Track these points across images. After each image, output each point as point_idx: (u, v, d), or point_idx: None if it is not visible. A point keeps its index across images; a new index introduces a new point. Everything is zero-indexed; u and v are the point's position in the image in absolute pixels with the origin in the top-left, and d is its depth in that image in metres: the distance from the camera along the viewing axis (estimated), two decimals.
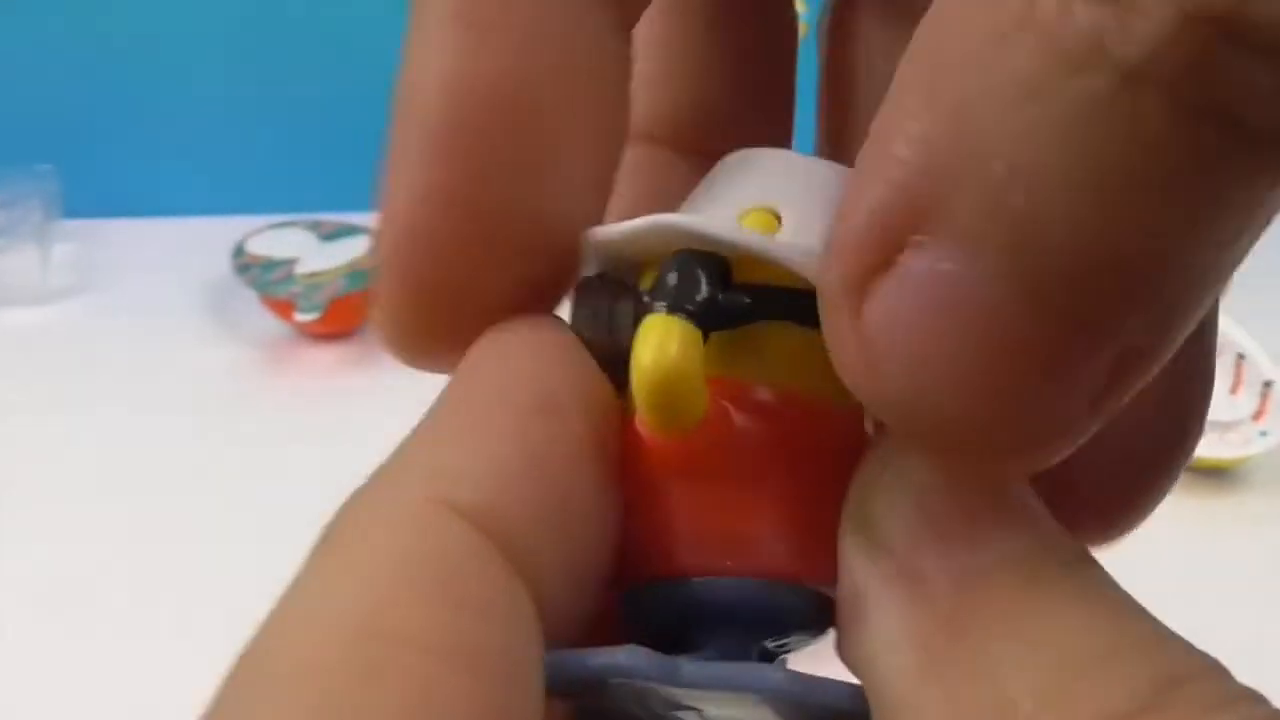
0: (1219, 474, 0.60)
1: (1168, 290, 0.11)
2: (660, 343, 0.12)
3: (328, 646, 0.11)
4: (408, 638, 0.11)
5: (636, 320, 0.13)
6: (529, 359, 0.13)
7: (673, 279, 0.12)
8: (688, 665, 0.12)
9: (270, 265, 0.74)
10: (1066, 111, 0.10)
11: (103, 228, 0.87)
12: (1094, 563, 0.12)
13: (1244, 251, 0.11)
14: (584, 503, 0.13)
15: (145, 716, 0.50)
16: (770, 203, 0.13)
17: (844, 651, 0.12)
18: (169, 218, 0.89)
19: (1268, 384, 0.62)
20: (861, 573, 0.12)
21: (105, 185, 0.89)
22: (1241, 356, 0.64)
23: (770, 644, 0.13)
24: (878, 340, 0.11)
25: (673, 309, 0.12)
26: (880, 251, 0.11)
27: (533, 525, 0.12)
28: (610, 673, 0.12)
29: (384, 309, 0.14)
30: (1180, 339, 0.11)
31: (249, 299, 0.74)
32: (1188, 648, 0.11)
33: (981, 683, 0.11)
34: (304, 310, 0.71)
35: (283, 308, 0.72)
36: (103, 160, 0.90)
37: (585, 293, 0.14)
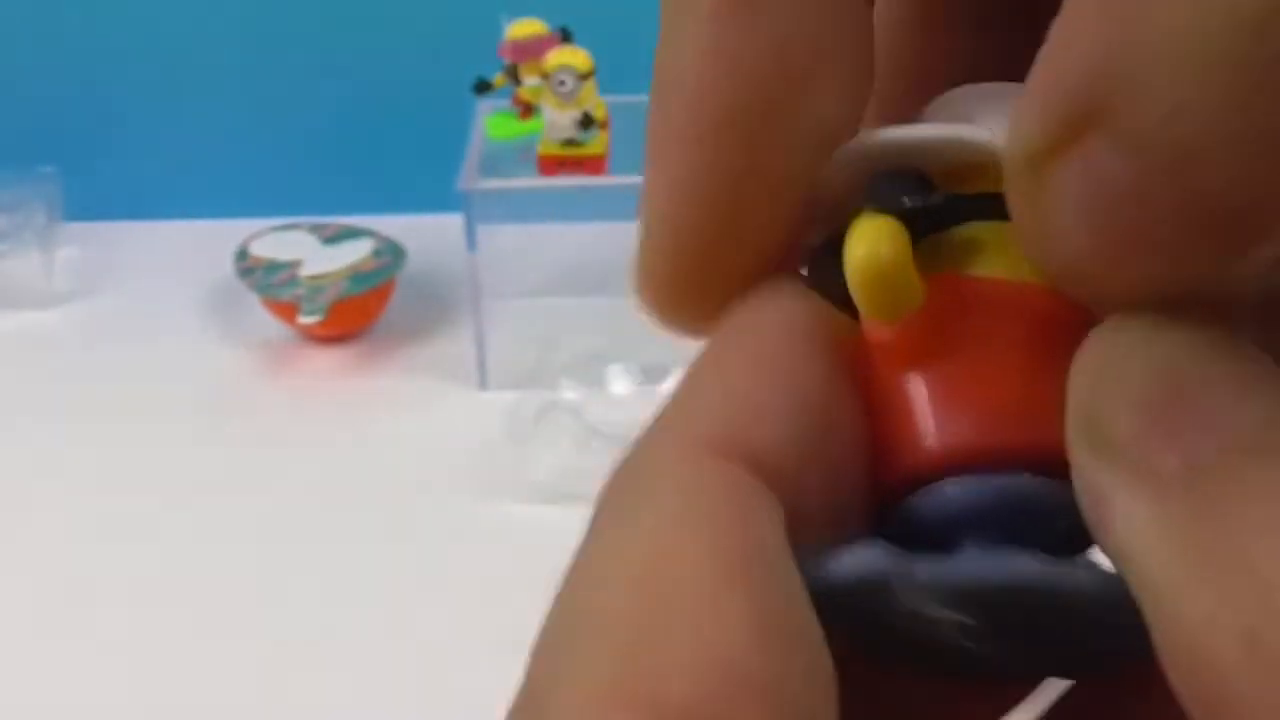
0: None
1: None
2: (869, 237, 0.13)
3: (624, 599, 0.12)
4: (690, 582, 0.12)
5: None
6: (775, 309, 0.14)
7: (881, 186, 0.13)
8: (922, 562, 0.12)
9: (273, 268, 0.75)
10: (1214, 22, 0.11)
11: (106, 230, 0.88)
12: None
13: None
14: (841, 428, 0.14)
15: (149, 718, 0.50)
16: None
17: (1098, 540, 0.12)
18: (172, 220, 0.89)
19: None
20: (1096, 475, 0.12)
21: (108, 188, 0.89)
22: None
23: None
24: (1052, 212, 0.12)
25: (880, 210, 0.13)
26: (1062, 131, 0.12)
27: (797, 460, 0.13)
28: (846, 576, 0.12)
29: (655, 281, 0.15)
30: None
31: (252, 302, 0.74)
32: None
33: (1248, 575, 0.11)
34: (307, 313, 0.71)
35: (285, 310, 0.72)
36: (106, 163, 0.90)
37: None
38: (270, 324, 0.74)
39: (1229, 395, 0.12)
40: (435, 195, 0.71)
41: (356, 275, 0.74)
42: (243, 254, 0.76)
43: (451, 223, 0.69)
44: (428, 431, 0.66)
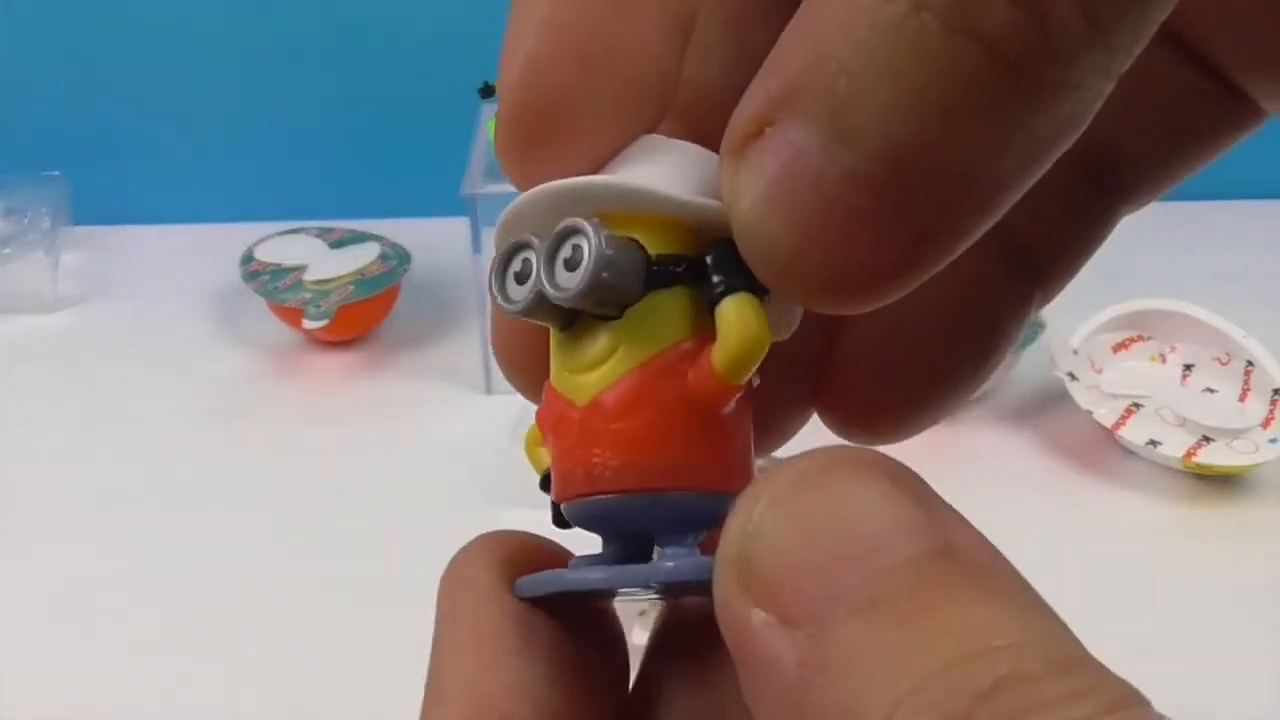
0: (1228, 481, 0.60)
1: (951, 184, 0.13)
2: (750, 319, 0.15)
3: None
4: None
5: (653, 283, 0.16)
6: (475, 604, 0.18)
7: (731, 260, 0.15)
8: (592, 572, 0.17)
9: (279, 272, 0.75)
10: (878, 28, 0.13)
11: (111, 235, 0.88)
12: (947, 556, 0.13)
13: (1026, 168, 0.14)
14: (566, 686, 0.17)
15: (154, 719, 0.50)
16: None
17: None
18: (178, 225, 0.90)
19: (1277, 391, 0.62)
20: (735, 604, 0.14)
21: (114, 192, 0.90)
22: (1250, 364, 0.64)
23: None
24: (741, 186, 0.14)
25: (747, 289, 0.15)
26: (754, 124, 0.14)
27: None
28: (552, 588, 0.17)
29: (502, 123, 0.16)
30: (968, 233, 0.14)
31: (257, 306, 0.74)
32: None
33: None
34: (312, 317, 0.71)
35: (291, 315, 0.72)
36: (111, 167, 0.90)
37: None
38: (276, 328, 0.74)
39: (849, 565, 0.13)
40: (441, 199, 0.71)
41: (362, 280, 0.74)
42: (248, 258, 0.76)
43: (457, 227, 0.69)
44: (433, 435, 0.66)
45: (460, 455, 0.64)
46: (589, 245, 0.16)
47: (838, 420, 0.20)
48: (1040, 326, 0.68)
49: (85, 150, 0.89)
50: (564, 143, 0.16)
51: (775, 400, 0.19)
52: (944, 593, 0.13)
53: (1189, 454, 0.59)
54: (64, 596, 0.56)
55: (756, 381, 0.17)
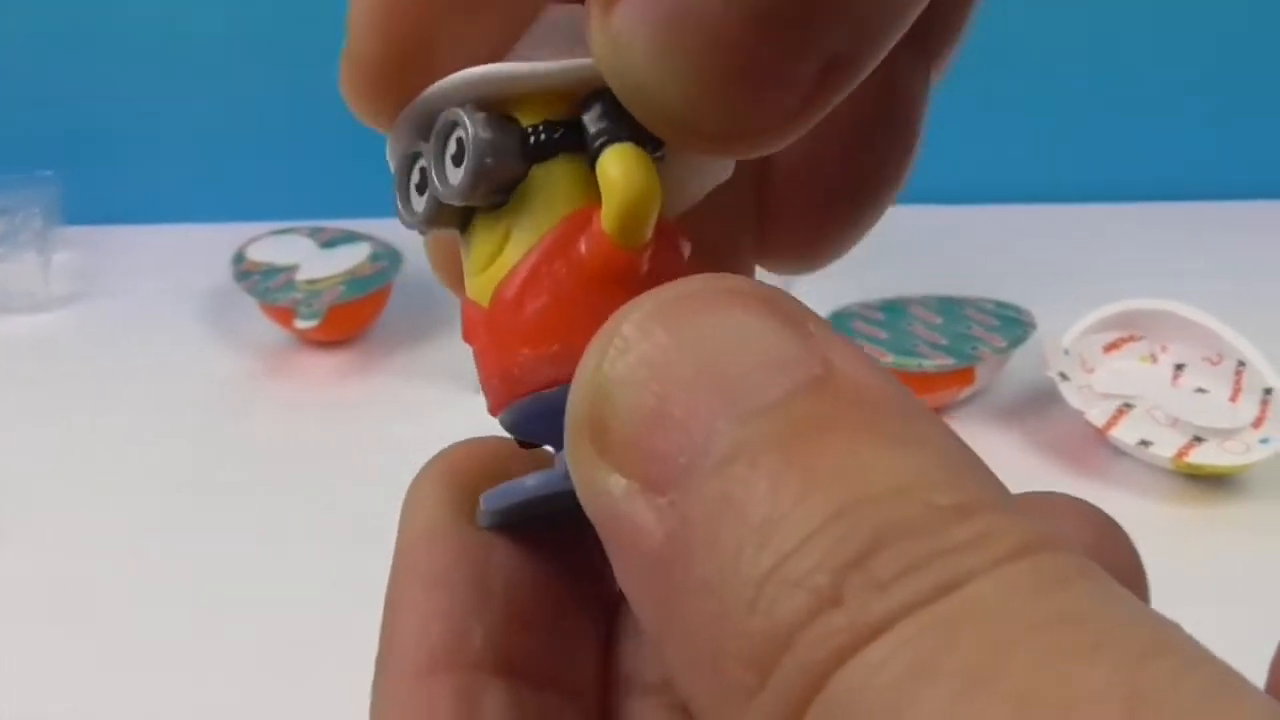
0: (1220, 481, 0.60)
1: (855, 11, 0.12)
2: (633, 169, 0.14)
3: None
4: None
5: (534, 155, 0.14)
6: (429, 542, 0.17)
7: (608, 111, 0.14)
8: (529, 481, 0.16)
9: (270, 272, 0.75)
10: None
11: (103, 235, 0.88)
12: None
13: None
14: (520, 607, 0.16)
15: (148, 716, 0.50)
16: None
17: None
18: (169, 225, 0.89)
19: (1268, 391, 0.62)
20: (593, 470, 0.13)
21: (106, 192, 0.89)
22: (1241, 364, 0.64)
23: None
24: (622, 33, 0.13)
25: (628, 139, 0.14)
26: None
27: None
28: (494, 505, 0.16)
29: (350, 59, 0.15)
30: (879, 52, 0.13)
31: (249, 306, 0.74)
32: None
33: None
34: (304, 317, 0.71)
35: (282, 315, 0.72)
36: (103, 167, 0.90)
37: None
38: (267, 328, 0.74)
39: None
40: None
41: (354, 280, 0.74)
42: (240, 258, 0.76)
43: None
44: (425, 435, 0.66)
45: None
46: (467, 133, 0.14)
47: (784, 255, 0.19)
48: (1031, 326, 0.68)
49: (77, 150, 0.89)
50: (417, 84, 0.15)
51: (721, 255, 0.18)
52: (817, 435, 0.11)
53: (1180, 454, 0.59)
54: (56, 594, 0.56)
55: (688, 249, 0.15)
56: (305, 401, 0.71)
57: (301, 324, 0.71)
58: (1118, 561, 0.14)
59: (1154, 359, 0.67)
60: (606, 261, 0.14)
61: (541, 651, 0.16)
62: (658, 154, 0.14)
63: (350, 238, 0.78)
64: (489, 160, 0.14)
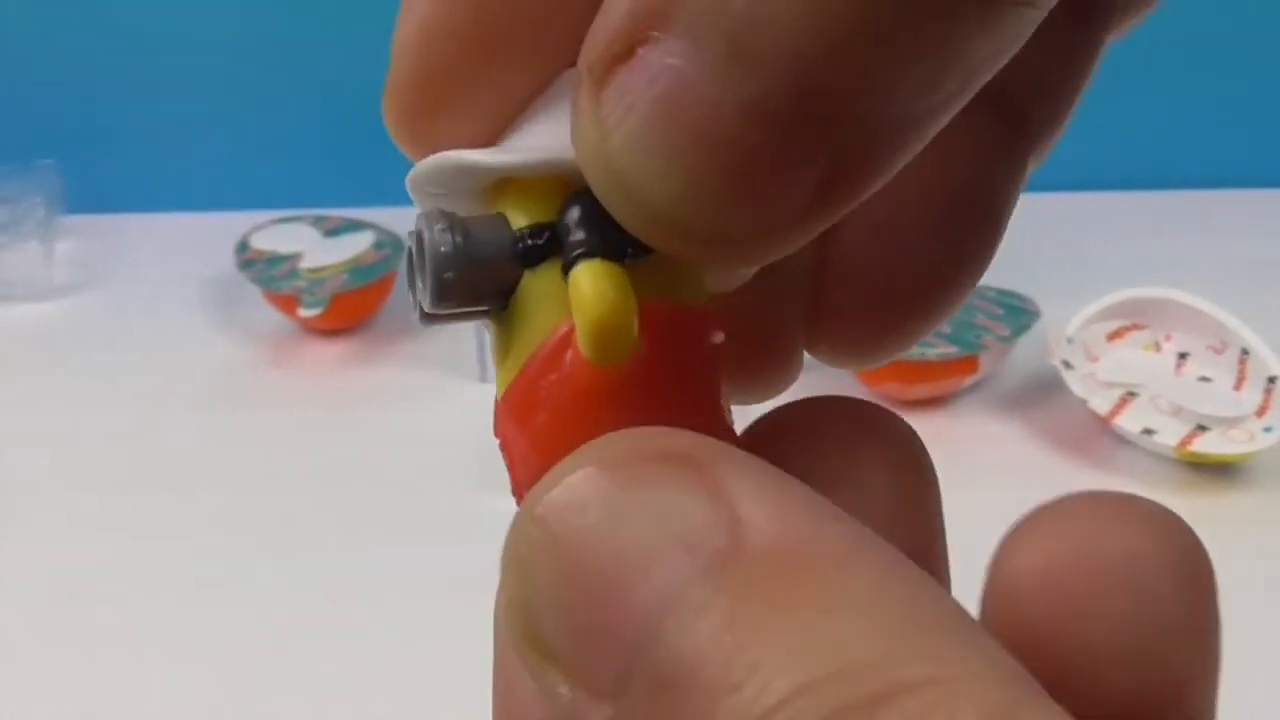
0: (1223, 470, 0.60)
1: (880, 113, 0.11)
2: (604, 288, 0.13)
3: None
4: None
5: (522, 259, 0.14)
6: None
7: (584, 217, 0.13)
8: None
9: (274, 261, 0.74)
10: None
11: (106, 223, 0.88)
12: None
13: (957, 97, 0.12)
14: None
15: (151, 712, 0.50)
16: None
17: None
18: (172, 213, 0.89)
19: (1272, 380, 0.62)
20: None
21: (108, 181, 0.89)
22: (1245, 352, 0.64)
23: None
24: (609, 119, 0.12)
25: (599, 254, 0.13)
26: (623, 42, 0.11)
27: None
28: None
29: (388, 88, 0.15)
30: (894, 164, 0.12)
31: (252, 294, 0.74)
32: None
33: None
34: (308, 306, 0.71)
35: (286, 303, 0.72)
36: (105, 156, 0.90)
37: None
38: (271, 317, 0.74)
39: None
40: None
41: (357, 268, 0.74)
42: (243, 246, 0.76)
43: None
44: (429, 424, 0.66)
45: (456, 443, 0.64)
46: (424, 245, 0.14)
47: (836, 349, 0.17)
48: (1035, 315, 0.68)
49: (79, 138, 0.89)
50: (463, 115, 0.15)
51: (766, 341, 0.17)
52: (727, 625, 0.10)
53: (1184, 443, 0.59)
54: (57, 584, 0.56)
55: (720, 337, 0.14)
56: (309, 390, 0.71)
57: (305, 312, 0.71)
58: (1198, 580, 0.13)
59: (1158, 348, 0.67)
60: (588, 381, 0.13)
61: None
62: (650, 253, 0.13)
63: (354, 226, 0.78)
64: (449, 275, 0.14)
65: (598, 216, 0.13)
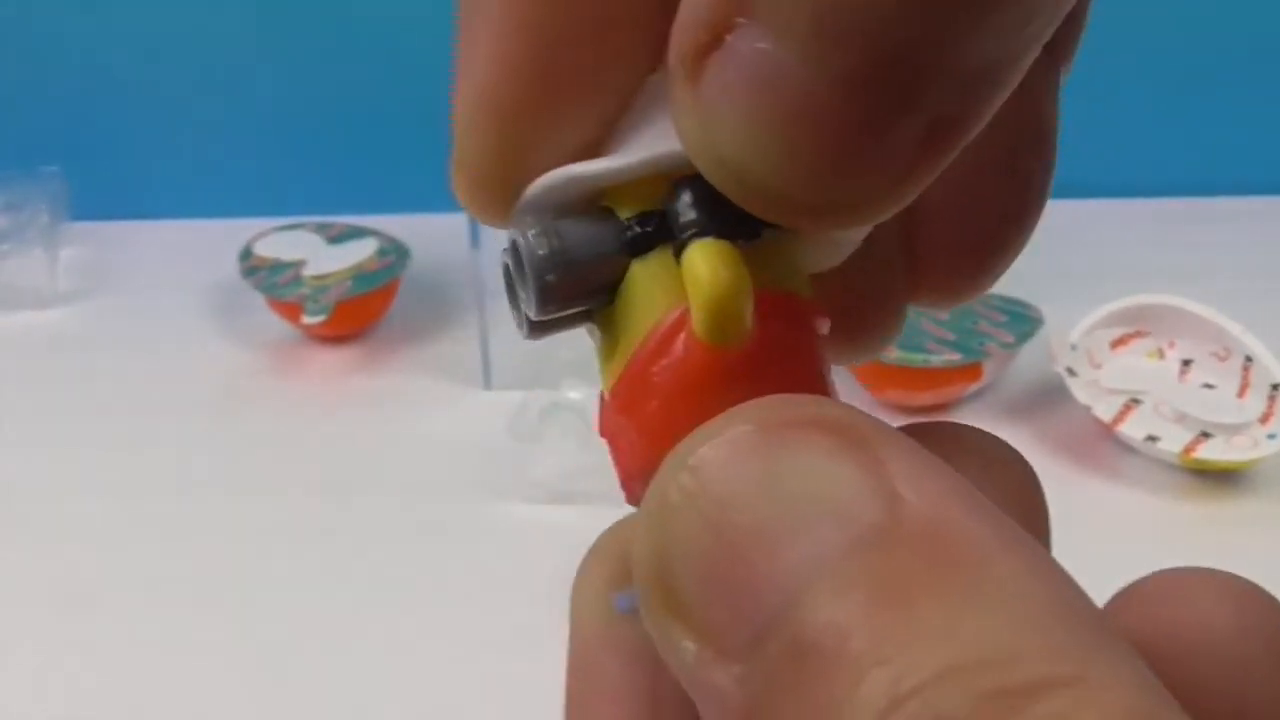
0: (1227, 477, 0.60)
1: (968, 64, 0.11)
2: (717, 266, 0.13)
3: None
4: None
5: (630, 248, 0.14)
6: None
7: (695, 200, 0.13)
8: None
9: (277, 268, 0.75)
10: None
11: (110, 230, 0.88)
12: None
13: (1037, 32, 0.12)
14: None
15: (152, 717, 0.50)
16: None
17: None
18: (176, 220, 0.90)
19: (1275, 387, 0.62)
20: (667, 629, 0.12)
21: (112, 188, 0.90)
22: (1249, 359, 0.64)
23: None
24: (710, 109, 0.12)
25: (712, 233, 0.13)
26: (710, 32, 0.12)
27: None
28: None
29: (456, 165, 0.15)
30: (990, 108, 0.12)
31: (256, 301, 0.74)
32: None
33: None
34: (311, 313, 0.71)
35: (290, 310, 0.72)
36: (110, 163, 0.90)
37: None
38: (274, 324, 0.74)
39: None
40: (439, 194, 0.70)
41: (361, 275, 0.74)
42: (247, 254, 0.76)
43: (456, 222, 0.68)
44: (432, 431, 0.66)
45: (459, 450, 0.64)
46: (522, 252, 0.14)
47: (938, 293, 0.17)
48: (1039, 322, 0.68)
49: (84, 145, 0.89)
50: (538, 169, 0.15)
51: (874, 305, 0.17)
52: (883, 599, 0.10)
53: (1187, 449, 0.59)
54: (59, 590, 0.56)
55: (825, 325, 0.14)
56: (312, 396, 0.71)
57: (309, 319, 0.71)
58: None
59: (1161, 354, 0.66)
60: (703, 363, 0.13)
61: None
62: (760, 236, 0.14)
63: (357, 233, 0.78)
64: (550, 278, 0.14)
65: (708, 198, 0.13)
